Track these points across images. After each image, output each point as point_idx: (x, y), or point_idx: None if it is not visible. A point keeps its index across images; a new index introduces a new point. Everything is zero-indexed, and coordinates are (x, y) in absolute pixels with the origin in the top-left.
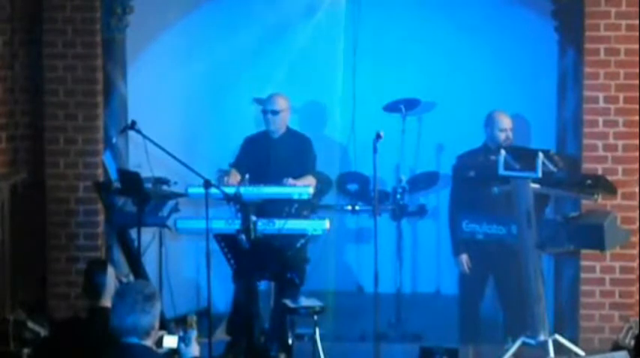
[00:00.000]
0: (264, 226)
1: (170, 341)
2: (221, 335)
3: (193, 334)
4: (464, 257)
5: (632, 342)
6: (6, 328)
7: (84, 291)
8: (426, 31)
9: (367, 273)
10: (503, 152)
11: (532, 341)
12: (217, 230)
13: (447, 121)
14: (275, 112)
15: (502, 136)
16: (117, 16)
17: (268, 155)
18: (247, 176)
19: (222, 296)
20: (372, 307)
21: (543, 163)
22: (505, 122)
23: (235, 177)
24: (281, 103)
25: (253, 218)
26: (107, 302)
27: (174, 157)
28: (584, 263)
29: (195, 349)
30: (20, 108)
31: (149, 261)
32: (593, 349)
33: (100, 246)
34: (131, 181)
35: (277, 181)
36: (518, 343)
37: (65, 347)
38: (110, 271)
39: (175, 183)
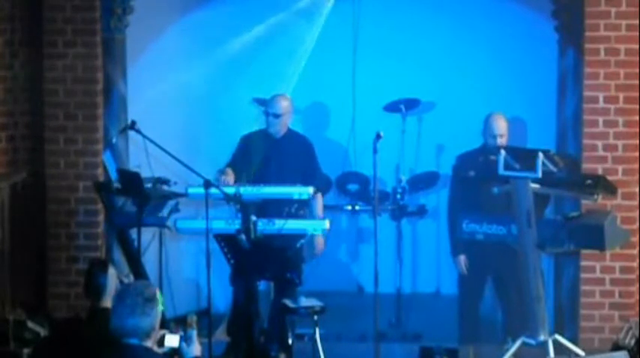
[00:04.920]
0: (264, 226)
1: (172, 340)
2: (221, 335)
3: (194, 333)
4: (462, 258)
5: (632, 342)
6: (6, 328)
7: (84, 292)
8: (426, 31)
9: (367, 273)
10: (503, 152)
11: (532, 341)
12: (217, 230)
13: (447, 121)
14: (277, 116)
15: (496, 142)
16: (117, 16)
17: (269, 155)
18: (244, 176)
19: (222, 296)
20: (372, 307)
21: (543, 163)
22: (499, 127)
23: (230, 176)
24: (284, 106)
25: (253, 218)
26: (108, 302)
27: (174, 157)
28: (584, 263)
29: (197, 348)
30: (20, 108)
31: (149, 261)
32: (593, 349)
33: (100, 246)
34: (131, 181)
35: (277, 181)
36: (518, 343)
37: (65, 347)
38: (111, 272)
39: (175, 183)
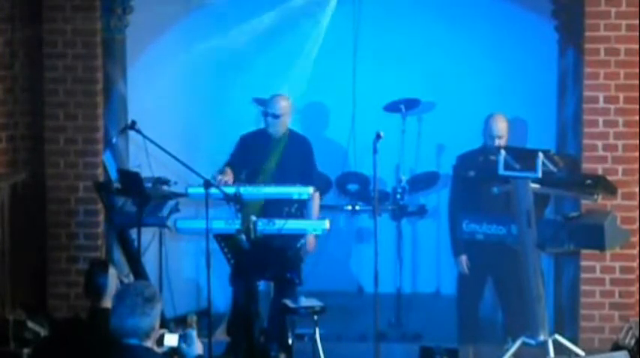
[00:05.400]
0: (264, 226)
1: (171, 340)
2: (221, 335)
3: (194, 333)
4: (463, 258)
5: (632, 342)
6: (6, 328)
7: (85, 292)
8: (425, 31)
9: (367, 273)
10: (503, 152)
11: (532, 341)
12: (217, 230)
13: (447, 121)
14: (276, 116)
15: (496, 143)
16: (117, 16)
17: (268, 154)
18: (243, 176)
19: (222, 296)
20: (372, 307)
21: (543, 163)
22: (499, 129)
23: (229, 175)
24: (283, 106)
25: (253, 218)
26: (108, 303)
27: (174, 157)
28: (584, 263)
29: (198, 347)
30: (20, 108)
31: (149, 261)
32: (593, 349)
33: (100, 246)
34: (131, 181)
35: (276, 181)
36: (518, 343)
37: (65, 347)
38: (112, 272)
39: (175, 183)
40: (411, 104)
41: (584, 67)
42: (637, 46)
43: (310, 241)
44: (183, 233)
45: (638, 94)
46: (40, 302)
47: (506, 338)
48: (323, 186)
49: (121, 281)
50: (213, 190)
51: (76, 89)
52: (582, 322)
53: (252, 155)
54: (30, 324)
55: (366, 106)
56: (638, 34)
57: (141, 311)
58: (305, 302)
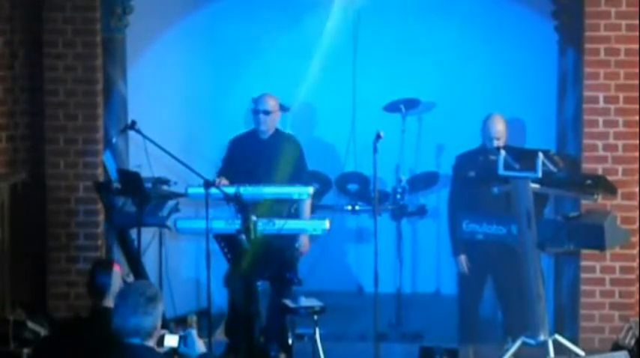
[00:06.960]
0: (264, 226)
1: (171, 340)
2: (221, 335)
3: (194, 332)
4: (462, 258)
5: (632, 342)
6: (6, 328)
7: (87, 291)
8: (426, 31)
9: (367, 273)
10: (503, 152)
11: (532, 341)
12: (217, 230)
13: (447, 121)
14: (267, 112)
15: (494, 144)
16: (117, 16)
17: (257, 156)
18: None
19: (222, 296)
20: (372, 307)
21: (543, 163)
22: (497, 130)
23: (225, 182)
24: (272, 104)
25: (253, 218)
26: (110, 302)
27: (174, 157)
28: (584, 263)
29: (200, 346)
30: (20, 108)
31: (149, 261)
32: (593, 349)
33: (100, 246)
34: (131, 181)
35: (266, 182)
36: (518, 343)
37: (66, 347)
38: (115, 272)
39: (175, 183)
40: (411, 104)
41: (584, 67)
42: (637, 46)
43: (304, 242)
44: (183, 233)
45: (638, 94)
46: (40, 302)
47: (506, 338)
48: (314, 185)
49: (124, 281)
50: (213, 190)
51: (76, 89)
52: (582, 322)
53: (244, 157)
54: (30, 324)
55: (366, 106)
56: (638, 34)
57: (143, 311)
58: (305, 302)
